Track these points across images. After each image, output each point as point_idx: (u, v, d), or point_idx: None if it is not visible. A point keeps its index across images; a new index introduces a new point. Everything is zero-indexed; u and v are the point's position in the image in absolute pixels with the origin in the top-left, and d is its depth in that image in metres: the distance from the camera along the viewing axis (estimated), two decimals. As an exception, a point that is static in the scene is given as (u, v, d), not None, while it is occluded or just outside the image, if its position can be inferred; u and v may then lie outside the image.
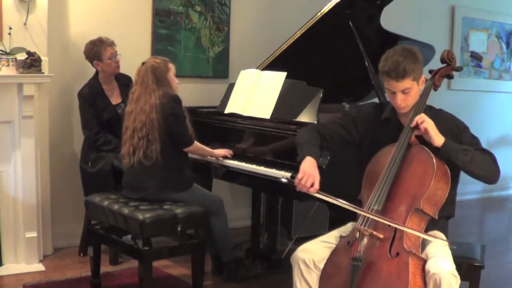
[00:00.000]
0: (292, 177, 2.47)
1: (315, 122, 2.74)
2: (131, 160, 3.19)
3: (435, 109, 2.55)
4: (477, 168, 2.37)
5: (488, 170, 2.40)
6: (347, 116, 2.68)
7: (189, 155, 3.42)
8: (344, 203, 2.30)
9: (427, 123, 2.36)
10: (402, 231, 2.26)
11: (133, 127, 3.18)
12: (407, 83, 2.38)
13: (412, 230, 2.25)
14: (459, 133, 2.46)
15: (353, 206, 2.32)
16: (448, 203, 2.39)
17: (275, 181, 3.19)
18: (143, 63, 3.27)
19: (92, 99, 3.81)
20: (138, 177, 3.20)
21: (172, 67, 3.32)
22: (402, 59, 2.36)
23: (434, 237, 2.32)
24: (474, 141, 2.46)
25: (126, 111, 3.29)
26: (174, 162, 3.23)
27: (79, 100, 3.85)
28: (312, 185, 2.37)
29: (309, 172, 2.40)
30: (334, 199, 2.31)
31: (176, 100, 3.22)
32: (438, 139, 2.36)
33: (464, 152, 2.34)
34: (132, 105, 3.23)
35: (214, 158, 3.53)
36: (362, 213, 2.32)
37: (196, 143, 3.36)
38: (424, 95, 2.52)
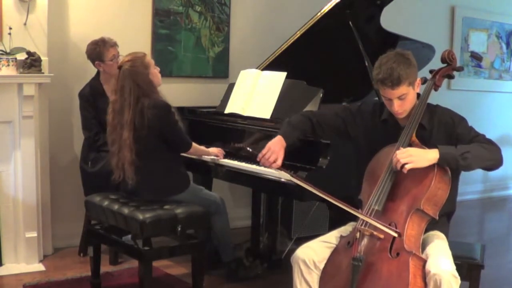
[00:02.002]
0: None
1: (316, 110, 2.81)
2: (120, 175, 3.13)
3: (432, 105, 2.54)
4: (481, 163, 2.34)
5: (491, 158, 2.35)
6: (347, 110, 2.69)
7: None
8: (309, 185, 2.36)
9: (409, 161, 2.27)
10: (402, 231, 2.26)
11: (119, 142, 3.09)
12: (402, 89, 2.37)
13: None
14: (454, 125, 2.44)
15: (320, 191, 2.34)
16: (449, 199, 2.38)
17: (275, 181, 3.19)
18: (119, 67, 3.11)
19: (92, 99, 3.80)
20: (134, 186, 3.17)
21: (150, 61, 3.16)
22: (396, 65, 2.34)
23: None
24: (468, 131, 2.43)
25: (110, 122, 3.16)
26: (167, 167, 3.19)
27: (79, 100, 3.85)
28: (275, 162, 2.49)
29: (273, 149, 2.53)
30: (296, 178, 2.42)
31: (166, 108, 3.11)
32: (431, 159, 2.30)
33: (462, 156, 2.29)
34: (116, 117, 3.11)
35: (209, 158, 3.52)
36: (346, 208, 2.32)
37: (194, 145, 3.34)
38: (425, 95, 2.51)
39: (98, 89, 3.85)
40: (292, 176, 2.41)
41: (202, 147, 3.49)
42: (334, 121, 2.68)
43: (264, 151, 2.54)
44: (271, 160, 2.51)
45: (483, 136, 2.41)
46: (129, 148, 3.05)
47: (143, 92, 3.07)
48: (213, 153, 3.50)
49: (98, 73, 3.90)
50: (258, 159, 2.56)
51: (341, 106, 2.77)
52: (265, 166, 2.58)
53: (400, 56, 2.39)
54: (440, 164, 2.31)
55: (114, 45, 3.81)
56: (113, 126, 3.15)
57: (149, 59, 3.18)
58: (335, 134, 2.75)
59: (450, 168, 2.34)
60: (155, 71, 3.19)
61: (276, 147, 2.54)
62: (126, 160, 3.07)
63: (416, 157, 2.29)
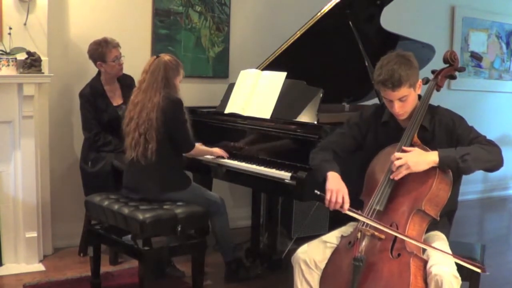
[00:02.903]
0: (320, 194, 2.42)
1: (325, 140, 2.73)
2: (132, 154, 3.16)
3: (433, 106, 2.54)
4: (481, 164, 2.33)
5: (492, 160, 2.34)
6: (352, 125, 2.66)
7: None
8: (375, 221, 2.28)
9: (406, 167, 2.29)
10: (403, 231, 2.26)
11: (137, 121, 3.15)
12: (403, 91, 2.36)
13: (411, 240, 2.24)
14: (454, 126, 2.43)
15: (377, 222, 2.28)
16: (450, 198, 2.37)
17: (275, 181, 3.19)
18: (157, 56, 3.25)
19: (93, 99, 3.79)
20: (137, 178, 3.19)
21: (182, 73, 3.29)
22: (397, 67, 2.34)
23: (434, 248, 2.29)
24: (468, 131, 2.42)
25: (132, 101, 3.23)
26: (170, 162, 3.21)
27: (80, 100, 3.83)
28: (343, 202, 2.33)
29: (335, 188, 2.36)
30: (366, 217, 2.29)
31: (178, 103, 3.18)
32: (430, 162, 2.30)
33: (462, 158, 2.28)
34: (140, 95, 3.18)
35: (211, 157, 3.54)
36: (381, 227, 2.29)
37: (197, 146, 3.35)
38: (426, 96, 2.50)
39: (99, 90, 3.84)
40: (367, 218, 2.30)
41: (205, 148, 3.50)
42: (346, 143, 2.64)
43: (328, 197, 2.35)
44: (340, 201, 2.33)
45: (484, 137, 2.41)
46: (156, 129, 3.10)
47: (168, 85, 3.18)
48: (216, 154, 3.52)
49: (98, 73, 3.88)
50: (327, 205, 2.37)
51: (344, 125, 2.70)
52: (335, 210, 2.38)
53: (402, 57, 2.38)
54: (440, 167, 2.31)
55: (117, 45, 3.80)
56: (134, 104, 3.20)
57: (183, 72, 3.30)
58: (351, 154, 2.68)
59: (451, 170, 2.34)
60: (178, 83, 3.28)
61: (336, 185, 2.38)
62: (153, 140, 3.10)
63: (413, 162, 2.29)
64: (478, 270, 2.19)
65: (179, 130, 3.19)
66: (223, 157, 3.54)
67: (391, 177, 2.33)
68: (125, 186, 3.28)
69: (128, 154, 3.19)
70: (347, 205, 2.34)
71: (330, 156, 2.58)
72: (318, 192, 2.38)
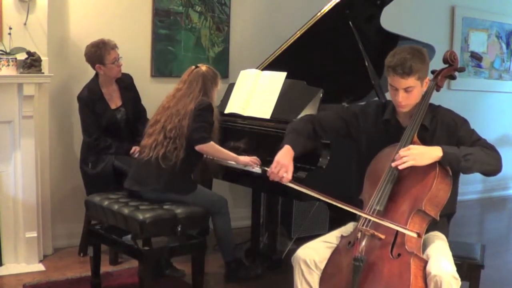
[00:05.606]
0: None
1: (314, 114, 2.81)
2: (150, 154, 3.18)
3: (434, 105, 2.54)
4: (481, 167, 2.35)
5: (492, 164, 2.37)
6: (349, 111, 2.69)
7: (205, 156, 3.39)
8: (318, 194, 2.34)
9: (411, 159, 2.30)
10: (403, 233, 2.26)
11: (163, 124, 3.20)
12: (411, 81, 2.37)
13: (410, 232, 2.25)
14: (456, 127, 2.44)
15: (329, 197, 2.34)
16: (449, 201, 2.38)
17: (275, 181, 3.18)
18: (196, 67, 3.35)
19: (91, 103, 3.76)
20: (146, 172, 3.19)
21: (219, 83, 3.37)
22: (410, 56, 2.36)
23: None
24: (470, 134, 2.43)
25: (162, 105, 3.30)
26: (186, 167, 3.22)
27: (78, 103, 3.80)
28: (285, 176, 2.42)
29: (282, 162, 2.44)
30: (308, 189, 2.36)
31: (205, 103, 3.22)
32: (434, 157, 2.31)
33: (465, 158, 2.30)
34: (172, 101, 3.26)
35: (235, 163, 3.41)
36: (352, 210, 2.33)
37: (213, 144, 3.24)
38: (427, 96, 2.51)
39: (97, 93, 3.79)
40: (304, 188, 2.36)
41: (229, 152, 3.35)
42: (336, 123, 2.67)
43: (273, 166, 2.43)
44: (281, 175, 2.41)
45: (485, 140, 2.42)
46: (185, 136, 3.16)
47: (205, 95, 3.28)
48: (244, 162, 3.34)
49: (96, 74, 3.84)
50: (268, 175, 2.46)
51: (343, 107, 2.76)
52: (275, 181, 2.46)
53: (416, 50, 2.41)
54: (442, 163, 2.32)
55: (115, 47, 3.77)
56: (164, 108, 3.28)
57: (220, 82, 3.40)
58: (336, 136, 2.74)
59: (451, 168, 2.34)
60: (215, 94, 3.37)
61: (285, 160, 2.45)
62: (182, 148, 3.15)
63: (418, 155, 2.30)
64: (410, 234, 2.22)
65: (196, 121, 3.19)
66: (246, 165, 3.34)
67: (393, 165, 2.33)
68: (131, 175, 3.28)
69: (145, 154, 3.22)
70: (286, 180, 2.42)
71: (306, 130, 2.62)
72: (265, 168, 2.47)
